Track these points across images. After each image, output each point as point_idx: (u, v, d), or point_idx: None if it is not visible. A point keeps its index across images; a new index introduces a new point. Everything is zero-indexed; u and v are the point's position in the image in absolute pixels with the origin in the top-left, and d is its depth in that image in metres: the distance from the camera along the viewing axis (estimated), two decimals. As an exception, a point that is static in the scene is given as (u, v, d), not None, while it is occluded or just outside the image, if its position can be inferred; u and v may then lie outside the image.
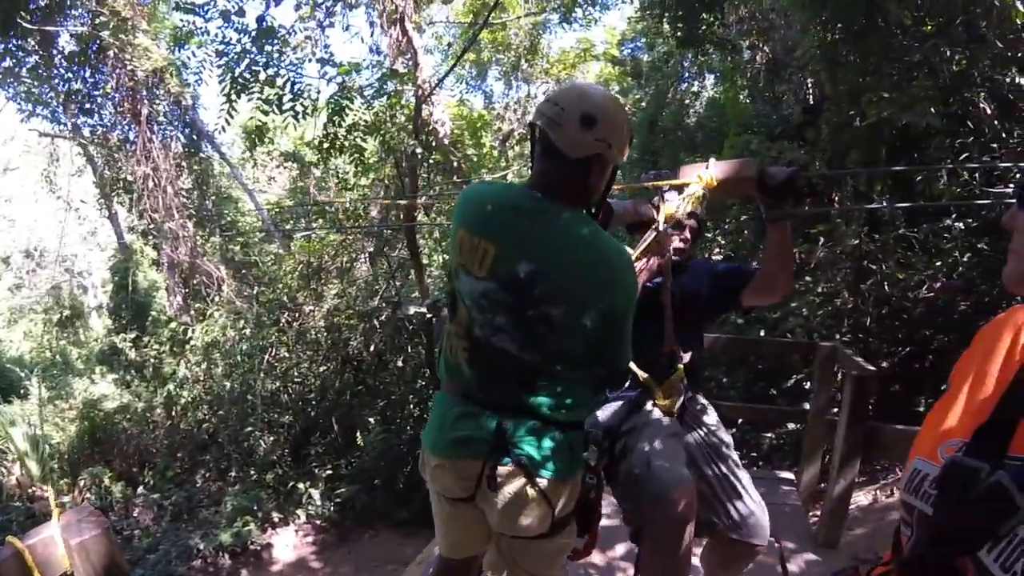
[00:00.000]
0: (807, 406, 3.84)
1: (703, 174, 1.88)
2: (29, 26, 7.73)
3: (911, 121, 4.25)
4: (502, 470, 1.40)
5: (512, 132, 8.68)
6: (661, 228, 1.89)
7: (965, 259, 4.50)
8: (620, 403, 2.05)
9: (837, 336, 4.84)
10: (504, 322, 1.40)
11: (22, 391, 11.68)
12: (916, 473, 0.76)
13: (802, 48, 7.07)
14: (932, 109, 4.20)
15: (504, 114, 11.13)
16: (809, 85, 8.12)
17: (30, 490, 8.90)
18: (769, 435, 5.38)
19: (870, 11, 4.81)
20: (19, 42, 8.20)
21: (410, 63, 7.48)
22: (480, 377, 1.46)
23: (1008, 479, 0.62)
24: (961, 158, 4.54)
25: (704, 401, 2.13)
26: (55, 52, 9.66)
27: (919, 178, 4.71)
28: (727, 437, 2.05)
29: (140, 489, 8.48)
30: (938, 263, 4.61)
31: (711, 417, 2.08)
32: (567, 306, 1.37)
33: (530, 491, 1.41)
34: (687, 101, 11.50)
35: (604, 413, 2.05)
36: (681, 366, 1.97)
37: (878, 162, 4.98)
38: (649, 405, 1.99)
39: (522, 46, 9.60)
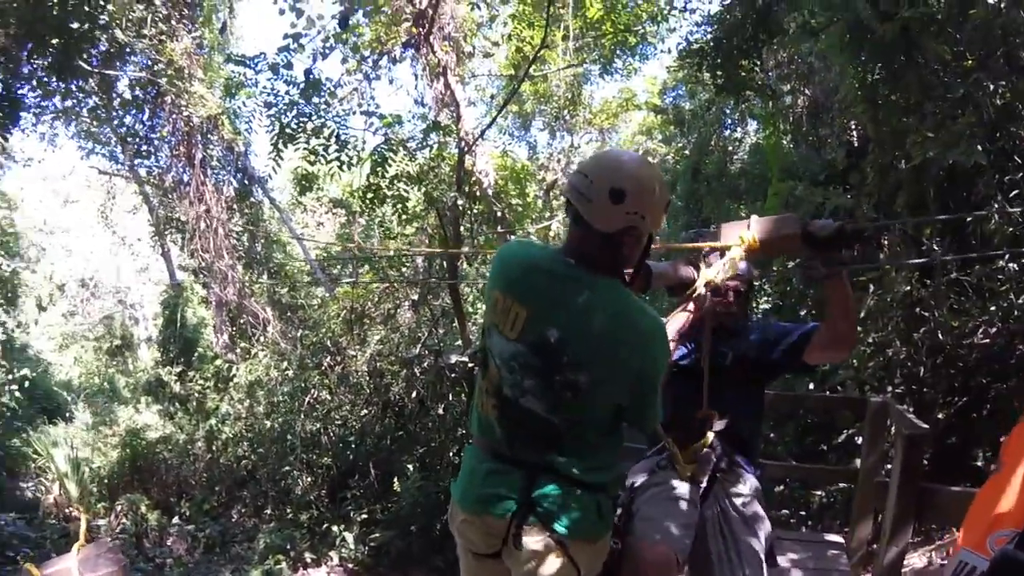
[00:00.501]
0: (858, 463, 3.73)
1: (744, 234, 1.82)
2: (89, 68, 8.16)
3: (957, 160, 4.18)
4: (528, 529, 1.40)
5: (556, 182, 8.82)
6: (700, 293, 1.88)
7: (1021, 301, 4.33)
8: (648, 463, 2.06)
9: (889, 388, 4.69)
10: (532, 385, 1.42)
11: (68, 414, 12.11)
12: (963, 566, 0.73)
13: (842, 90, 7.05)
14: (978, 146, 4.13)
15: (548, 164, 11.33)
16: (852, 127, 8.06)
17: (67, 510, 9.16)
18: (819, 493, 5.20)
19: (908, 49, 4.77)
20: (80, 83, 8.62)
21: (453, 115, 7.72)
22: (509, 435, 1.47)
23: None
24: (1011, 195, 4.42)
25: (745, 469, 2.05)
26: (114, 95, 10.33)
27: (969, 220, 4.59)
28: (757, 509, 1.98)
29: (176, 519, 8.60)
30: (993, 307, 4.44)
31: (745, 487, 2.01)
32: (594, 374, 1.38)
33: (555, 551, 1.40)
34: (730, 148, 11.52)
35: (633, 473, 2.06)
36: (711, 433, 1.93)
37: (926, 203, 4.88)
38: (670, 469, 1.97)
39: (564, 97, 9.81)
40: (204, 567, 7.39)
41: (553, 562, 1.41)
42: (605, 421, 1.47)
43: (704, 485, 1.96)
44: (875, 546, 3.35)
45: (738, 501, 1.97)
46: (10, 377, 8.98)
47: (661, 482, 1.97)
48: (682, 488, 1.93)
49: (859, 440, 4.57)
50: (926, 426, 2.79)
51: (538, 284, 1.43)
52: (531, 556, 1.41)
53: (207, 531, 8.11)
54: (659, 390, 1.46)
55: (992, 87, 4.47)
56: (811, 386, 5.12)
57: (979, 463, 4.36)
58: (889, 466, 3.19)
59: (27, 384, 9.57)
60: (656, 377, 1.44)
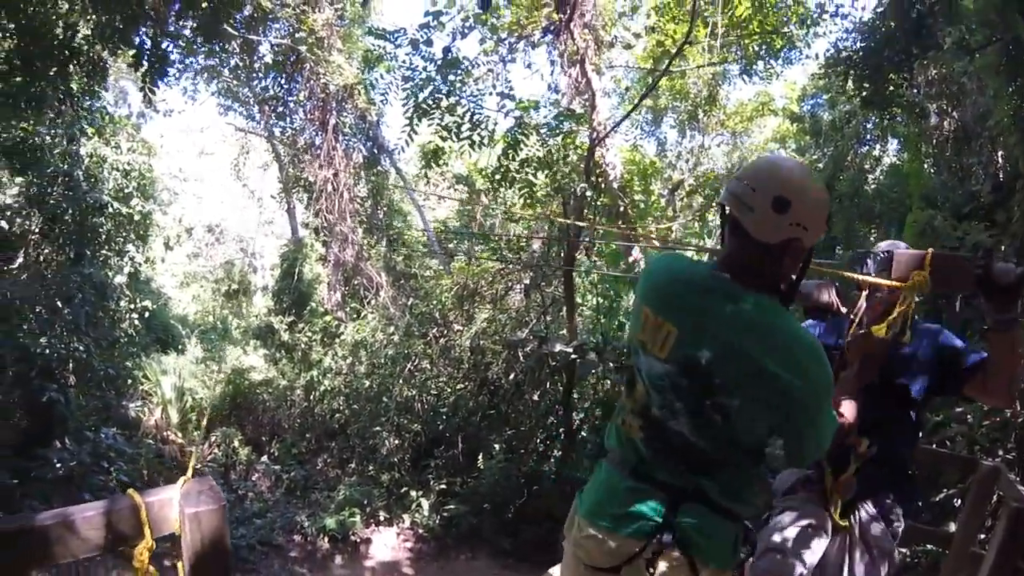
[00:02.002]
0: (952, 527, 3.48)
1: (918, 277, 1.70)
2: (233, 32, 8.79)
3: None
4: (666, 553, 1.37)
5: (682, 182, 8.65)
6: (864, 330, 1.77)
7: None
8: (790, 477, 2.01)
9: (1001, 452, 4.36)
10: (681, 407, 1.38)
11: (180, 347, 13.12)
12: None
13: (995, 117, 6.46)
14: None
15: (676, 163, 11.10)
16: (1001, 159, 7.35)
17: (165, 433, 9.84)
18: (904, 550, 4.85)
19: None
20: (223, 44, 9.12)
21: (587, 104, 7.72)
22: (654, 456, 1.45)
23: None
24: None
25: (886, 505, 1.94)
26: (256, 58, 11.02)
27: None
28: (885, 547, 1.89)
29: (264, 458, 9.25)
30: None
31: (878, 526, 1.91)
32: (747, 399, 1.33)
33: None
34: (867, 166, 10.83)
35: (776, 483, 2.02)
36: (854, 462, 1.83)
37: None
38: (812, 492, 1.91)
39: (700, 95, 9.56)
40: (283, 506, 7.86)
41: None
42: (755, 449, 1.43)
43: (837, 515, 1.89)
44: None
45: (869, 539, 1.89)
46: (132, 307, 9.64)
47: (797, 507, 1.92)
48: (816, 516, 1.88)
49: (959, 503, 4.33)
50: None
51: (690, 302, 1.39)
52: None
53: (291, 474, 8.65)
54: (821, 422, 1.37)
55: None
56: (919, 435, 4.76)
57: None
58: (987, 536, 2.92)
59: (147, 315, 10.28)
60: (815, 406, 1.35)
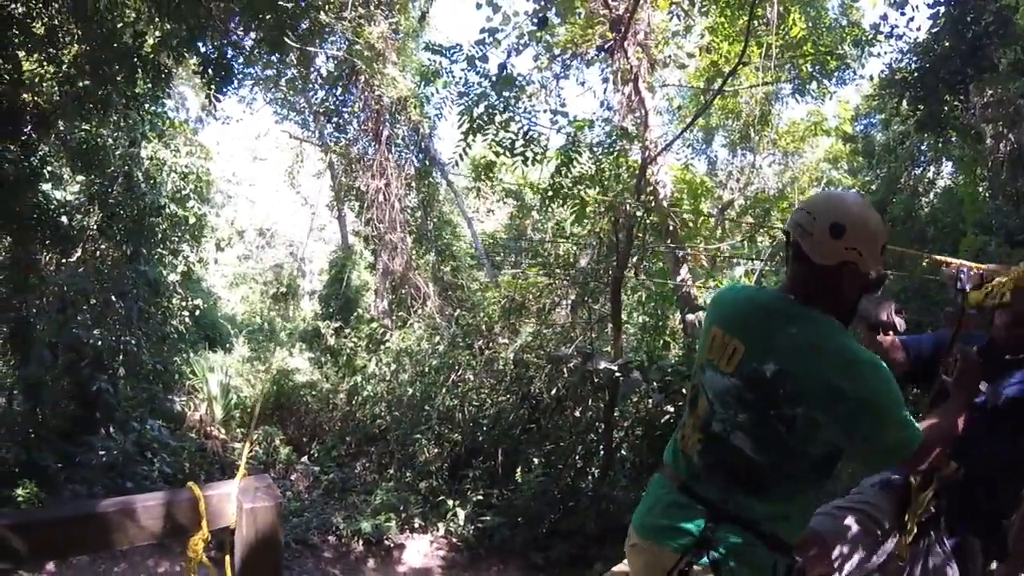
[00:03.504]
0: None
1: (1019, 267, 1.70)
2: (292, 43, 9.20)
3: None
4: (697, 569, 1.41)
5: (732, 202, 8.63)
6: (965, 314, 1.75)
7: None
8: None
9: None
10: (745, 420, 1.44)
11: (228, 345, 13.49)
12: None
13: None
14: None
15: (726, 182, 11.06)
16: None
17: (208, 428, 10.06)
18: None
19: None
20: (281, 56, 9.39)
21: (639, 122, 7.79)
22: (707, 472, 1.49)
23: None
24: None
25: (949, 541, 1.86)
26: (312, 69, 11.30)
27: None
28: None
29: (304, 458, 9.45)
30: None
31: (942, 562, 1.85)
32: (811, 409, 1.38)
33: None
34: (920, 189, 10.56)
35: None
36: (931, 489, 1.77)
37: None
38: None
39: (752, 114, 9.53)
40: (320, 507, 8.02)
41: None
42: (813, 466, 1.46)
43: (908, 533, 1.84)
44: None
45: (930, 572, 1.85)
46: (184, 304, 9.97)
47: (870, 499, 1.92)
48: (882, 514, 1.87)
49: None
50: None
51: (756, 319, 1.50)
52: None
53: (330, 475, 8.81)
54: (888, 434, 1.38)
55: None
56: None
57: None
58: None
59: (197, 313, 10.62)
60: (877, 417, 1.37)
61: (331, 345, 10.91)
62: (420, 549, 7.44)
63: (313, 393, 10.56)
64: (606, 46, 8.68)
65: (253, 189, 19.09)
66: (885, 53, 8.74)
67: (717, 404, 1.50)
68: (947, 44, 6.00)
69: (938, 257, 2.04)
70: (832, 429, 1.40)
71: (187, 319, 10.36)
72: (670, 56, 8.44)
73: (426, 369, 8.67)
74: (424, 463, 8.29)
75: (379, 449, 9.18)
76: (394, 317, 10.29)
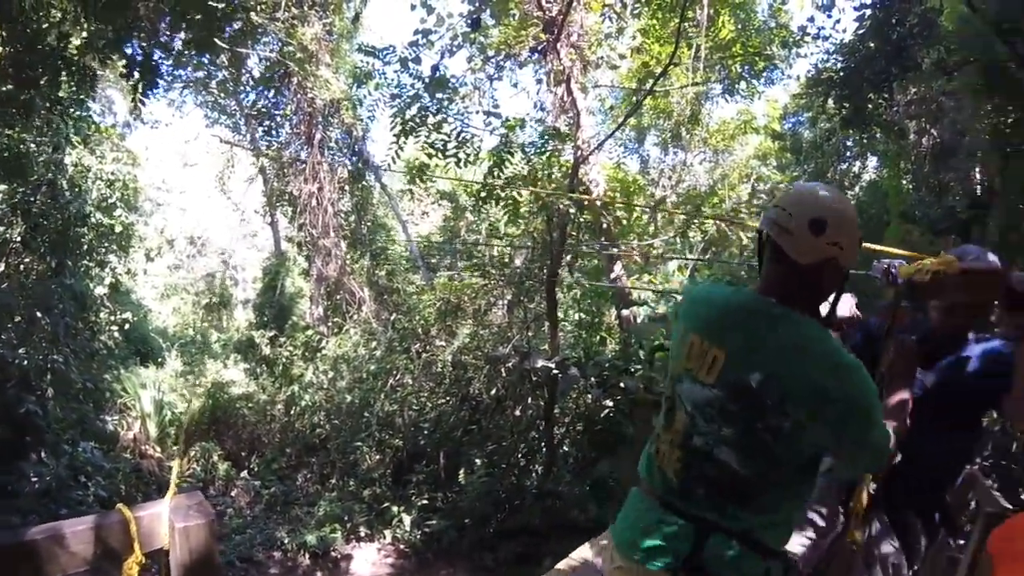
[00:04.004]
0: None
1: (946, 256, 1.68)
2: (222, 45, 8.92)
3: None
4: None
5: (665, 199, 8.87)
6: (896, 294, 1.73)
7: None
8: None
9: (979, 459, 4.47)
10: (730, 434, 1.39)
11: (160, 360, 12.98)
12: None
13: (971, 135, 6.67)
14: None
15: (658, 180, 11.34)
16: (977, 175, 7.60)
17: (143, 447, 9.69)
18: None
19: None
20: (211, 57, 9.10)
21: (572, 122, 7.91)
22: (690, 487, 1.45)
23: None
24: None
25: (891, 522, 1.94)
26: (244, 71, 10.99)
27: None
28: (897, 564, 1.92)
29: (244, 473, 9.18)
30: None
31: (888, 544, 1.93)
32: (800, 418, 1.34)
33: None
34: (846, 183, 11.13)
35: None
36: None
37: None
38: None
39: (683, 114, 9.83)
40: (262, 522, 7.82)
41: None
42: (799, 471, 1.43)
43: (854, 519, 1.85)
44: None
45: (877, 554, 1.92)
46: (112, 318, 9.64)
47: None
48: (826, 506, 1.92)
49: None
50: (1011, 506, 2.69)
51: (736, 324, 1.42)
52: None
53: (271, 489, 8.58)
54: (874, 435, 1.39)
55: None
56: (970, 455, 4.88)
57: None
58: (963, 542, 3.05)
59: (127, 327, 10.31)
60: (864, 420, 1.37)
61: (266, 355, 10.64)
62: (368, 558, 7.34)
63: (250, 405, 10.29)
64: (539, 47, 8.79)
65: (183, 196, 18.38)
66: (812, 54, 9.20)
67: (698, 417, 1.43)
68: (872, 45, 6.20)
69: (873, 246, 2.07)
70: (820, 432, 1.37)
71: (116, 334, 10.02)
72: (602, 57, 8.61)
73: (364, 375, 8.55)
74: (366, 471, 8.18)
75: (320, 459, 9.02)
76: (330, 324, 10.10)
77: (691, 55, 9.27)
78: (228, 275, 17.05)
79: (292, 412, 9.70)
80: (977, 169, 7.36)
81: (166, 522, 1.44)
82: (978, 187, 7.45)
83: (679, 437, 1.47)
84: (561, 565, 3.53)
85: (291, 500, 8.42)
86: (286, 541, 7.16)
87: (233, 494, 8.74)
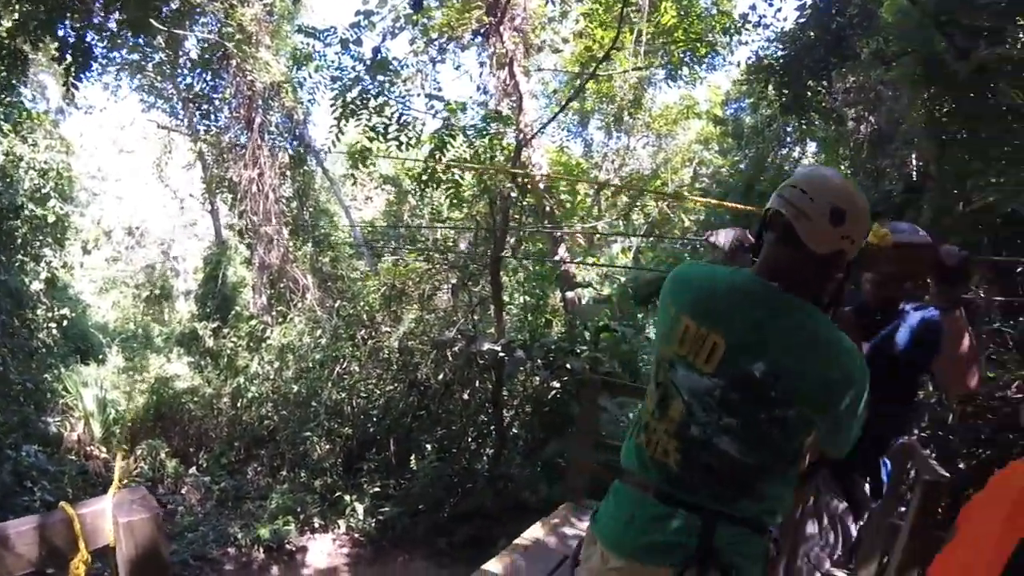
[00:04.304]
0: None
1: (876, 228, 1.68)
2: (159, 26, 8.53)
3: (1018, 209, 4.11)
4: None
5: (608, 182, 8.91)
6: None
7: None
8: None
9: (916, 431, 4.70)
10: (732, 423, 1.32)
11: (101, 356, 12.53)
12: None
13: (908, 123, 6.94)
14: None
15: (602, 163, 11.41)
16: (913, 162, 7.93)
17: (88, 448, 9.52)
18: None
19: (982, 89, 4.70)
20: (147, 39, 8.84)
21: (515, 105, 7.87)
22: (691, 478, 1.37)
23: None
24: None
25: (834, 480, 1.98)
26: (181, 53, 10.66)
27: (1020, 270, 4.51)
28: (843, 518, 1.98)
29: (193, 469, 8.97)
30: None
31: (833, 501, 1.98)
32: (806, 409, 1.30)
33: None
34: (786, 167, 11.40)
35: None
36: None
37: (979, 252, 4.76)
38: None
39: (626, 99, 9.89)
40: (215, 518, 7.68)
41: None
42: (797, 455, 1.40)
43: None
44: None
45: (824, 510, 1.97)
46: (50, 315, 9.29)
47: None
48: None
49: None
50: (947, 474, 2.77)
51: (738, 310, 1.34)
52: None
53: (222, 484, 8.42)
54: (859, 417, 1.37)
55: None
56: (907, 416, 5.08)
57: None
58: (904, 509, 3.18)
59: (65, 323, 9.92)
60: (857, 406, 1.34)
61: (210, 347, 10.33)
62: (323, 549, 7.28)
63: (195, 399, 10.02)
64: (482, 30, 8.68)
65: (120, 185, 17.53)
66: (753, 41, 9.35)
67: (696, 407, 1.35)
68: (812, 34, 6.25)
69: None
70: (826, 421, 1.34)
71: (55, 331, 9.63)
72: (546, 41, 8.56)
73: (310, 364, 8.39)
74: (317, 461, 8.07)
75: (269, 451, 8.85)
76: (274, 313, 9.84)
77: (633, 40, 9.33)
78: (168, 266, 16.40)
79: (239, 405, 9.47)
80: (913, 156, 7.62)
81: (110, 518, 1.41)
82: (913, 173, 7.72)
83: (675, 427, 1.39)
84: (513, 545, 3.55)
85: (242, 494, 8.29)
86: (240, 536, 7.05)
87: (183, 491, 8.57)
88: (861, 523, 2.09)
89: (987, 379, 4.51)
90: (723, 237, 1.99)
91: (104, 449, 9.65)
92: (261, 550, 7.02)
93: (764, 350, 1.29)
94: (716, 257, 2.04)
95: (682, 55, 10.10)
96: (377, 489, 7.45)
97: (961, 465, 4.57)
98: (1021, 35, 4.82)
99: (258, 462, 8.92)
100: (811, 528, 1.99)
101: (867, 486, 2.03)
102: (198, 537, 7.07)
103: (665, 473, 1.39)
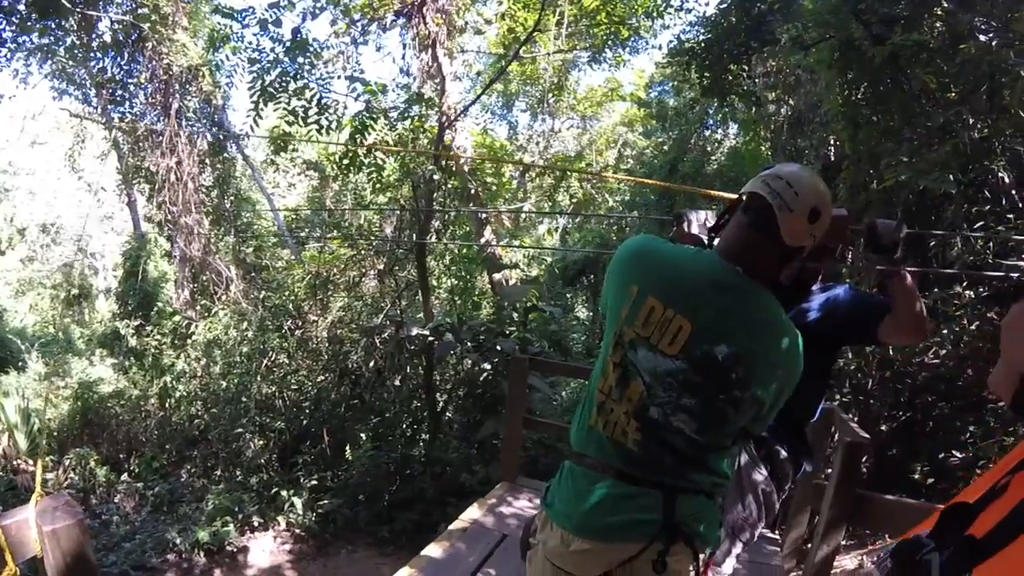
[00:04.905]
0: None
1: None
2: (71, 7, 7.88)
3: (928, 186, 4.27)
4: (674, 549, 1.35)
5: (533, 163, 8.82)
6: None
7: (973, 327, 4.46)
8: None
9: (838, 396, 4.84)
10: (691, 404, 1.34)
11: (20, 363, 11.74)
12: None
13: (825, 105, 7.17)
14: (950, 176, 4.20)
15: (527, 146, 11.29)
16: (830, 143, 8.22)
17: (15, 462, 8.84)
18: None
19: (896, 75, 4.87)
20: (59, 21, 8.28)
21: (438, 88, 7.67)
22: (649, 457, 1.37)
23: (937, 560, 0.65)
24: (976, 226, 4.55)
25: (756, 451, 2.01)
26: (94, 36, 9.87)
27: (932, 243, 4.75)
28: (766, 489, 2.01)
29: (124, 476, 8.47)
30: (945, 330, 4.56)
31: (756, 473, 2.01)
32: (759, 391, 1.34)
33: (691, 567, 1.38)
34: (709, 148, 11.66)
35: None
36: None
37: None
38: None
39: (550, 81, 9.80)
40: (151, 525, 7.32)
41: None
42: (740, 431, 1.43)
43: None
44: (808, 545, 3.43)
45: (745, 482, 2.01)
46: None
47: None
48: None
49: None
50: (867, 436, 2.88)
51: (708, 297, 1.34)
52: None
53: (155, 489, 8.01)
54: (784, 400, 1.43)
55: (972, 121, 4.54)
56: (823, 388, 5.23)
57: (916, 476, 4.53)
58: (829, 470, 3.30)
59: None
60: (792, 390, 1.41)
61: (133, 347, 9.75)
62: (265, 548, 7.04)
63: (122, 403, 9.44)
64: (405, 11, 8.40)
65: (32, 179, 16.25)
66: (675, 25, 9.40)
67: (657, 387, 1.35)
68: (733, 19, 6.34)
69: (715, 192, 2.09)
70: (768, 400, 1.37)
71: None
72: (469, 22, 8.35)
73: (237, 358, 8.02)
74: (251, 458, 7.78)
75: (202, 451, 8.49)
76: (198, 307, 9.34)
77: (555, 22, 9.24)
78: (86, 263, 15.35)
79: (167, 405, 9.04)
80: (830, 137, 7.86)
81: (34, 527, 1.38)
82: (831, 153, 7.98)
83: (634, 407, 1.38)
84: (451, 528, 3.54)
85: (177, 498, 7.93)
86: (178, 542, 6.76)
87: (117, 500, 8.11)
88: (783, 494, 2.13)
89: (903, 346, 4.71)
90: (695, 222, 2.03)
91: (31, 461, 8.92)
92: (201, 554, 6.74)
93: (728, 335, 1.31)
94: (676, 234, 2.07)
95: (605, 37, 10.08)
96: (315, 482, 7.25)
97: (883, 427, 4.80)
98: (938, 24, 4.99)
99: (191, 463, 8.56)
100: (732, 498, 2.02)
101: (785, 455, 2.06)
102: (136, 546, 6.74)
103: (624, 453, 1.39)
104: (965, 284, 4.58)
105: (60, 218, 15.92)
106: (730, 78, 6.72)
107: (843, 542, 3.72)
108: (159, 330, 9.55)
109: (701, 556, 1.39)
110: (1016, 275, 3.99)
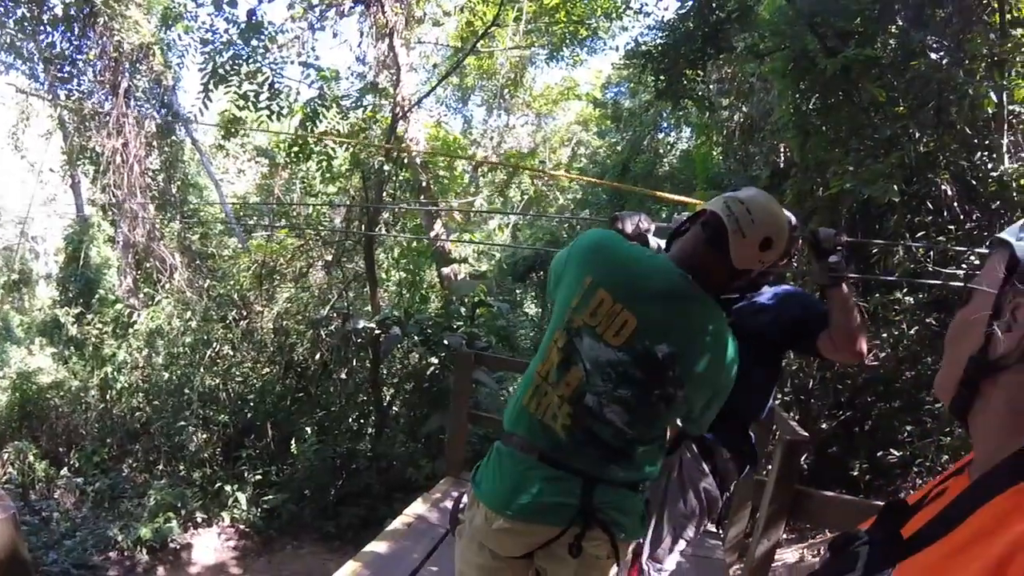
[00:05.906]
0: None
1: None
2: None
3: (873, 195, 4.32)
4: (590, 535, 1.39)
5: (486, 159, 8.68)
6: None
7: (912, 332, 4.57)
8: None
9: (779, 396, 4.90)
10: (626, 395, 1.37)
11: None
12: None
13: (777, 114, 7.25)
14: (895, 186, 4.26)
15: (481, 141, 11.12)
16: (780, 150, 8.33)
17: None
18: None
19: (847, 87, 4.94)
20: None
21: (393, 78, 7.45)
22: (575, 443, 1.40)
23: (866, 552, 0.65)
24: (918, 235, 4.65)
25: (698, 451, 2.01)
26: (45, 8, 9.33)
27: (875, 250, 4.82)
28: (709, 488, 2.01)
29: (64, 471, 8.11)
30: (885, 334, 4.66)
31: (697, 472, 2.00)
32: (692, 390, 1.39)
33: (608, 553, 1.42)
34: (661, 151, 11.70)
35: None
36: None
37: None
38: None
39: (507, 76, 9.65)
40: (92, 522, 7.01)
41: (604, 563, 1.44)
42: (666, 429, 1.50)
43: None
44: (750, 539, 3.50)
45: (686, 480, 2.01)
46: None
47: None
48: None
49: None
50: (807, 434, 2.95)
51: (654, 296, 1.38)
52: (590, 562, 1.41)
53: (96, 484, 7.67)
54: (719, 406, 1.48)
55: (918, 135, 4.63)
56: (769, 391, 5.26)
57: (855, 473, 4.64)
58: (770, 467, 3.34)
59: None
60: (725, 397, 1.47)
61: (74, 336, 9.19)
62: (209, 544, 6.79)
63: (61, 394, 8.96)
64: (362, -2, 8.10)
65: (-27, 159, 15.18)
66: (633, 27, 9.37)
67: (596, 376, 1.38)
68: (691, 25, 6.33)
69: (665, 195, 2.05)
70: (699, 400, 1.43)
71: None
72: (427, 13, 8.12)
73: (181, 349, 7.63)
74: (195, 452, 7.44)
75: (144, 445, 8.08)
76: (141, 295, 8.87)
77: (514, 17, 9.09)
78: (27, 247, 14.44)
79: (108, 397, 8.56)
80: (780, 144, 7.96)
81: None
82: (780, 160, 8.08)
83: (571, 393, 1.40)
84: (396, 523, 3.48)
85: (119, 494, 7.57)
86: (120, 539, 6.45)
87: (56, 495, 7.76)
88: (727, 493, 2.13)
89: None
90: (629, 223, 2.03)
91: (-31, 455, 8.44)
92: (144, 551, 6.46)
93: (670, 336, 1.36)
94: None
95: (563, 36, 9.99)
96: (259, 477, 6.99)
97: (823, 426, 4.87)
98: (891, 41, 5.04)
99: (133, 457, 8.16)
100: (676, 497, 2.01)
101: (728, 455, 2.06)
102: (77, 544, 6.42)
103: (550, 437, 1.41)
104: (905, 290, 4.67)
105: (1, 199, 14.95)
106: (685, 82, 6.73)
107: (784, 536, 3.76)
108: (100, 318, 9.03)
109: (619, 544, 1.42)
110: (954, 283, 4.07)
